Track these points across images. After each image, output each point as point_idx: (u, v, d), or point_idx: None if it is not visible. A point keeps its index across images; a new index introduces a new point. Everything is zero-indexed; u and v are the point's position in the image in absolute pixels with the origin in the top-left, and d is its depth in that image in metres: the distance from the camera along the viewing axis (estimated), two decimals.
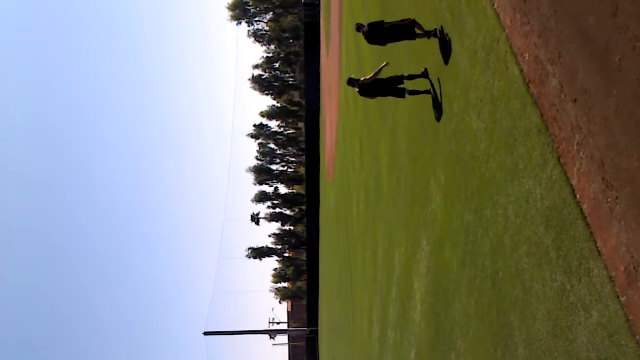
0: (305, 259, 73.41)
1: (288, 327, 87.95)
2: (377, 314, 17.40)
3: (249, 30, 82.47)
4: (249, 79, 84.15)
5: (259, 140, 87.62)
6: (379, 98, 11.92)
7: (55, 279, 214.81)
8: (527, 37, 6.14)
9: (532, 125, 5.94)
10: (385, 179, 15.89)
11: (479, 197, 7.65)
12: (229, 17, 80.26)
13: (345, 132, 31.89)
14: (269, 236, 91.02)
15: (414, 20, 10.00)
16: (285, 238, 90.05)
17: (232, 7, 79.54)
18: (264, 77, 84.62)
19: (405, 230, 12.78)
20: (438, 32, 9.77)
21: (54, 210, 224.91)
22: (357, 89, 10.88)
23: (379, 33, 10.15)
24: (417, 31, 10.09)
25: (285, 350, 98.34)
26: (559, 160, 5.35)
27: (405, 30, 10.02)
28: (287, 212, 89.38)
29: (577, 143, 5.01)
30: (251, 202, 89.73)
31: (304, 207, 73.90)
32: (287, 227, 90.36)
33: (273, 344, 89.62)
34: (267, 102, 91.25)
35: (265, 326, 78.92)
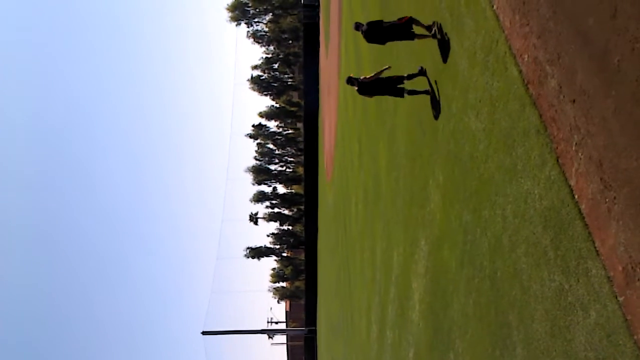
0: (303, 258, 73.43)
1: (286, 326, 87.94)
2: (375, 313, 17.41)
3: (248, 31, 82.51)
4: (248, 80, 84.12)
5: (258, 141, 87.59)
6: (378, 98, 11.96)
7: (54, 278, 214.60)
8: (526, 38, 6.16)
9: (531, 125, 5.96)
10: (384, 179, 15.91)
11: (477, 198, 7.67)
12: (229, 18, 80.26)
13: (344, 132, 31.90)
14: (268, 236, 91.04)
15: (411, 18, 10.03)
16: (284, 238, 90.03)
17: (232, 8, 79.53)
18: (263, 77, 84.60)
19: (404, 230, 12.79)
20: (437, 29, 9.79)
21: (53, 209, 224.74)
22: (356, 88, 10.93)
23: (378, 32, 10.17)
24: (417, 31, 10.11)
25: (283, 349, 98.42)
26: (557, 160, 5.37)
27: (402, 29, 10.04)
28: (286, 212, 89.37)
29: (576, 144, 5.03)
30: (250, 202, 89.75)
31: (302, 207, 73.94)
32: (285, 227, 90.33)
33: (271, 344, 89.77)
34: (266, 102, 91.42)
35: (263, 326, 78.86)
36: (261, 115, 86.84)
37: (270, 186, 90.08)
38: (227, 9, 79.89)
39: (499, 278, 6.76)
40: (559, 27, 5.34)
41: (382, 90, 11.00)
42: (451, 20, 9.18)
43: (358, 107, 24.11)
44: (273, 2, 77.27)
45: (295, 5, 74.57)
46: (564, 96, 5.26)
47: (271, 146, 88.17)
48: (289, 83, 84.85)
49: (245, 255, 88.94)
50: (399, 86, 10.78)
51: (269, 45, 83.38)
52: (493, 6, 7.24)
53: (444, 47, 9.48)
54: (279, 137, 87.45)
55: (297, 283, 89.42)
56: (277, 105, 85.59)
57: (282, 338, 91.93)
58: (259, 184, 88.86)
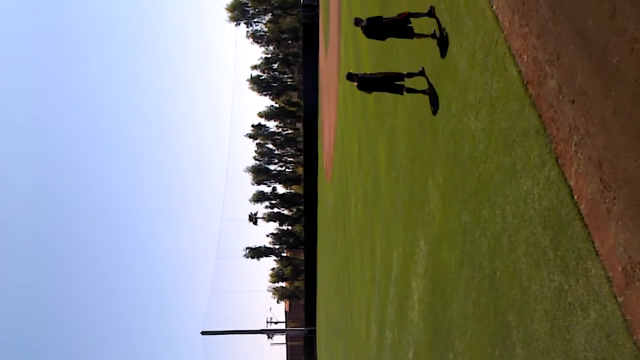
0: (303, 258, 73.42)
1: (286, 326, 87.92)
2: (375, 313, 17.42)
3: (247, 31, 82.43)
4: (248, 80, 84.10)
5: (257, 141, 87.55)
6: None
7: (53, 278, 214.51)
8: (525, 38, 6.17)
9: (530, 126, 5.96)
10: (384, 179, 15.91)
11: (477, 198, 7.67)
12: (228, 18, 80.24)
13: (343, 132, 31.91)
14: (267, 236, 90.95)
15: (410, 13, 10.09)
16: (283, 238, 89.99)
17: (231, 9, 79.50)
18: (263, 77, 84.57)
19: (404, 231, 12.80)
20: (436, 28, 9.80)
21: (53, 210, 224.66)
22: (355, 83, 10.99)
23: (377, 28, 10.22)
24: (417, 30, 10.15)
25: (283, 350, 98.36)
26: (557, 161, 5.38)
27: (401, 24, 10.08)
28: (285, 212, 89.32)
29: (575, 144, 5.03)
30: (249, 202, 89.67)
31: (302, 207, 73.92)
32: (285, 227, 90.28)
33: (271, 344, 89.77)
34: (265, 102, 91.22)
35: (263, 326, 78.85)
36: (261, 115, 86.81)
37: (269, 186, 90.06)
38: (227, 9, 79.87)
39: (498, 278, 6.76)
40: (559, 27, 5.35)
41: (381, 87, 11.06)
42: (450, 21, 9.19)
43: (358, 108, 24.12)
44: (272, 2, 77.26)
45: (294, 5, 74.58)
46: (563, 96, 5.27)
47: (271, 146, 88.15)
48: (289, 83, 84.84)
49: (245, 255, 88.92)
50: (397, 83, 10.83)
51: (268, 45, 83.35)
52: (492, 6, 7.24)
53: (444, 47, 9.48)
54: (279, 137, 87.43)
55: (296, 283, 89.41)
56: (277, 105, 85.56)
57: (281, 338, 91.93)
58: (259, 184, 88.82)
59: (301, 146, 70.72)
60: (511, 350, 6.26)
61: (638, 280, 4.04)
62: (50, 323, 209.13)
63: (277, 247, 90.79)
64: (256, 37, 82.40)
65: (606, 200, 4.50)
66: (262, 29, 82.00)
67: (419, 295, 11.00)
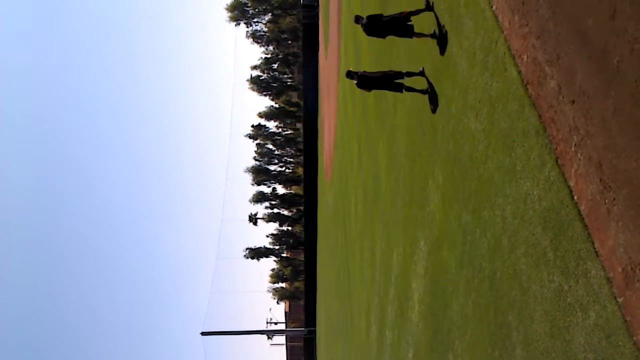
0: (303, 259, 73.40)
1: (286, 327, 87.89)
2: (375, 314, 17.41)
3: (247, 32, 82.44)
4: (248, 80, 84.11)
5: (257, 141, 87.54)
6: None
7: (53, 279, 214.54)
8: (525, 38, 6.16)
9: (530, 126, 5.95)
10: (384, 179, 15.91)
11: (477, 198, 7.67)
12: (228, 18, 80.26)
13: (343, 132, 31.91)
14: (267, 236, 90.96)
15: (410, 12, 10.12)
16: (283, 238, 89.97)
17: (231, 9, 79.53)
18: (263, 78, 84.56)
19: (404, 231, 12.79)
20: (436, 27, 9.81)
21: (52, 210, 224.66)
22: (355, 81, 11.00)
23: (378, 25, 10.24)
24: (417, 29, 10.16)
25: (283, 350, 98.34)
26: (556, 161, 5.37)
27: (402, 22, 10.10)
28: (285, 212, 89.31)
29: (575, 144, 5.02)
30: (249, 202, 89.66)
31: (302, 208, 73.92)
32: (285, 228, 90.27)
33: (271, 345, 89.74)
34: (265, 102, 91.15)
35: (263, 326, 78.89)
36: (260, 115, 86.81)
37: (269, 187, 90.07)
38: (227, 9, 79.89)
39: (498, 279, 6.75)
40: (559, 27, 5.34)
41: (381, 85, 11.07)
42: (450, 21, 9.18)
43: (357, 108, 24.11)
44: (272, 2, 77.28)
45: (294, 5, 74.58)
46: (563, 97, 5.26)
47: (270, 146, 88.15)
48: (289, 83, 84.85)
49: (245, 255, 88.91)
50: (397, 81, 10.85)
51: (268, 46, 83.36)
52: (492, 7, 7.24)
53: (443, 45, 9.49)
54: (279, 138, 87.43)
55: (296, 284, 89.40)
56: (277, 106, 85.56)
57: (281, 339, 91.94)
58: (259, 184, 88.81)
59: (301, 146, 70.72)
60: (511, 350, 6.26)
61: (638, 281, 4.04)
62: (51, 323, 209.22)
63: (277, 247, 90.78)
64: (256, 37, 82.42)
65: (606, 200, 4.49)
66: (262, 29, 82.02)
67: (419, 295, 10.99)
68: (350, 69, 11.23)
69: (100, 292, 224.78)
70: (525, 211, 6.00)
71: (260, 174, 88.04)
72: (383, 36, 10.70)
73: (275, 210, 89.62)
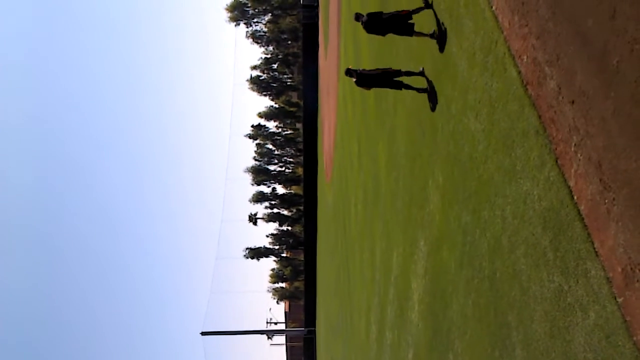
0: (303, 259, 73.38)
1: (286, 327, 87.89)
2: (375, 314, 17.41)
3: (247, 32, 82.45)
4: (248, 80, 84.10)
5: (257, 141, 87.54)
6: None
7: (53, 278, 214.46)
8: (525, 39, 6.16)
9: (530, 126, 5.96)
10: (384, 179, 15.91)
11: (476, 198, 7.67)
12: (228, 19, 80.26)
13: (343, 133, 31.91)
14: (267, 236, 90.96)
15: (410, 11, 10.15)
16: (283, 238, 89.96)
17: (231, 9, 79.53)
18: (262, 78, 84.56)
19: (403, 231, 12.80)
20: (437, 27, 9.81)
21: (52, 210, 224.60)
22: (354, 79, 11.02)
23: (378, 23, 10.25)
24: (417, 29, 10.17)
25: (282, 350, 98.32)
26: (556, 161, 5.38)
27: (402, 20, 10.12)
28: (285, 212, 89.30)
29: (575, 145, 5.03)
30: (249, 202, 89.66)
31: (301, 208, 73.90)
32: (284, 228, 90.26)
33: (271, 345, 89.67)
34: (265, 103, 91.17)
35: (262, 326, 78.86)
36: (260, 115, 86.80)
37: (269, 187, 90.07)
38: (226, 9, 79.90)
39: (498, 279, 6.76)
40: (558, 28, 5.34)
41: (380, 83, 11.08)
42: (450, 22, 9.19)
43: (357, 108, 24.12)
44: (272, 2, 77.28)
45: (294, 5, 74.56)
46: (563, 97, 5.26)
47: (270, 146, 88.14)
48: (288, 83, 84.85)
49: (245, 255, 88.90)
50: (396, 79, 10.86)
51: (268, 46, 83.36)
52: (492, 7, 7.24)
53: (442, 44, 9.50)
54: (278, 138, 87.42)
55: (296, 283, 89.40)
56: (277, 106, 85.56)
57: (281, 339, 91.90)
58: (258, 184, 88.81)
59: (301, 146, 70.69)
60: (511, 350, 6.26)
61: (638, 281, 4.04)
62: (51, 323, 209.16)
63: (276, 247, 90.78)
64: (256, 37, 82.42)
65: (606, 201, 4.49)
66: (261, 29, 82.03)
67: (419, 295, 10.99)
68: (350, 67, 11.25)
69: (101, 292, 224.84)
70: (525, 211, 6.00)
71: (260, 174, 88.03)
72: (383, 34, 10.71)
73: (275, 210, 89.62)
